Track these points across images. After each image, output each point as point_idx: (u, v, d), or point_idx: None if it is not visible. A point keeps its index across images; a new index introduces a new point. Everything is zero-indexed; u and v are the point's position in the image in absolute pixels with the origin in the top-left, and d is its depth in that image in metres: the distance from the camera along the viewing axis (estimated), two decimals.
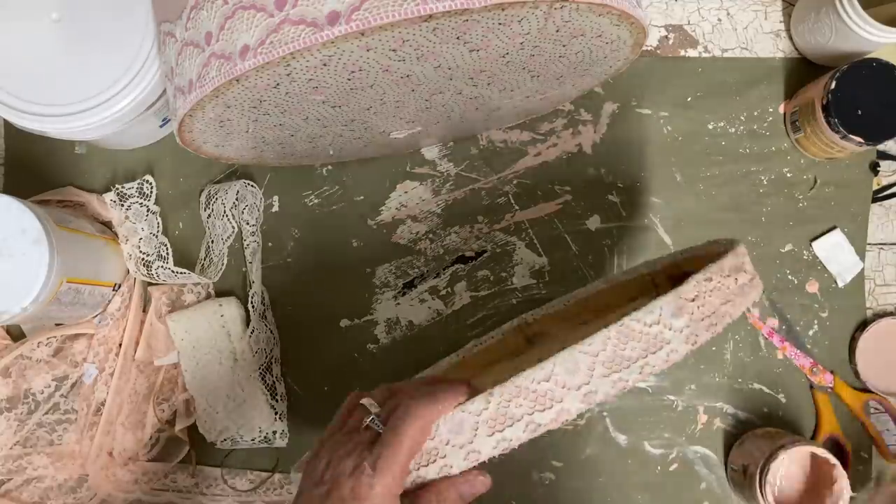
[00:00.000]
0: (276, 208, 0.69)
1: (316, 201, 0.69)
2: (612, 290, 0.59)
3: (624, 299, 0.58)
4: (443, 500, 0.40)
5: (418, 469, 0.39)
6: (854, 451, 0.66)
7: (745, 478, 0.61)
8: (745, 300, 0.41)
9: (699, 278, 0.39)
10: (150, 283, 0.67)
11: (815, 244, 0.68)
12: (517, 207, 0.68)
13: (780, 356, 0.67)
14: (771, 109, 0.69)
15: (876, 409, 0.66)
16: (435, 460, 0.39)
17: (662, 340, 0.38)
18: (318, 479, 0.41)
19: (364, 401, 0.43)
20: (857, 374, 0.66)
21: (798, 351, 0.66)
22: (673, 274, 0.56)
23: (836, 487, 0.58)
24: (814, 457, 0.61)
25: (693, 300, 0.38)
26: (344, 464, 0.40)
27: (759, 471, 0.58)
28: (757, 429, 0.65)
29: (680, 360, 0.38)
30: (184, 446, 0.66)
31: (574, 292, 0.61)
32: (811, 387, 0.67)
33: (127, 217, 0.66)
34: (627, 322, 0.38)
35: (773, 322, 0.67)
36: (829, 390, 0.66)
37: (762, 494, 0.58)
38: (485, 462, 0.39)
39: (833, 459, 0.58)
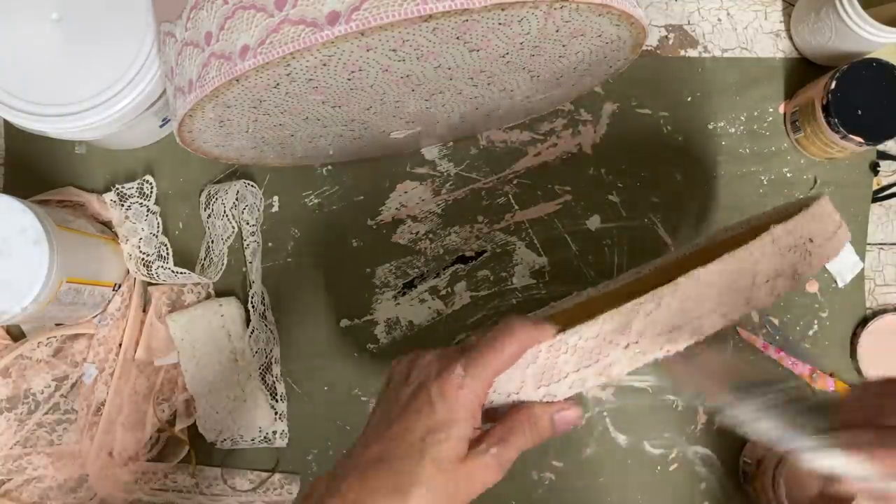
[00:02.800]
0: (276, 208, 0.69)
1: (316, 201, 0.69)
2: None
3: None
4: (535, 422, 0.40)
5: (518, 393, 0.40)
6: None
7: (759, 472, 0.61)
8: (819, 259, 0.41)
9: (764, 238, 0.39)
10: (150, 283, 0.67)
11: None
12: (517, 207, 0.68)
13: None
14: (771, 109, 0.69)
15: None
16: (598, 360, 0.39)
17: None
18: (404, 378, 0.41)
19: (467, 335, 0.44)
20: (858, 370, 0.66)
21: (796, 359, 0.67)
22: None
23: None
24: None
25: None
26: (433, 365, 0.40)
27: (774, 465, 0.59)
28: None
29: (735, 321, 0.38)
30: (184, 446, 0.66)
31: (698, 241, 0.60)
32: (813, 393, 0.67)
33: (127, 217, 0.66)
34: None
35: (775, 318, 0.67)
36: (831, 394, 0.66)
37: (774, 488, 0.58)
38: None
39: None
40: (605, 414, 0.67)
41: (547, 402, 0.40)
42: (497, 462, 0.39)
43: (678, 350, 0.38)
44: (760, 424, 0.38)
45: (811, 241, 0.40)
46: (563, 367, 0.39)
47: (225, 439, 0.65)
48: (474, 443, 0.39)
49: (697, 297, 0.38)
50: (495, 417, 0.41)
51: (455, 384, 0.38)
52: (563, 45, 0.47)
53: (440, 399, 0.38)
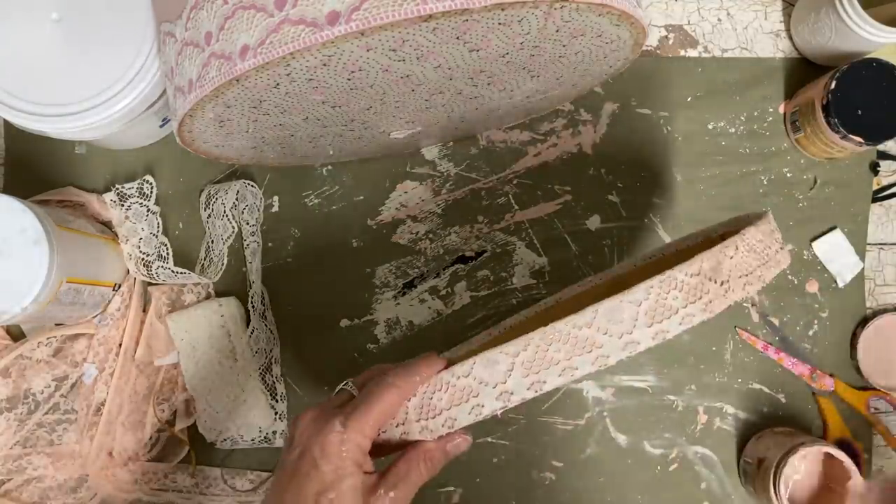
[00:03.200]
0: (276, 208, 0.69)
1: (316, 201, 0.69)
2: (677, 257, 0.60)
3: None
4: (429, 458, 0.41)
5: (400, 432, 0.41)
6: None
7: (760, 471, 0.61)
8: (776, 266, 0.42)
9: (736, 239, 0.41)
10: (150, 283, 0.67)
11: (814, 244, 0.68)
12: (517, 207, 0.68)
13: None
14: (771, 109, 0.69)
15: (875, 408, 0.66)
16: (468, 399, 0.40)
17: (702, 291, 0.38)
18: (291, 443, 0.41)
19: (343, 383, 0.44)
20: (858, 370, 0.66)
21: (796, 359, 0.67)
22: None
23: (850, 488, 0.58)
24: (828, 457, 0.61)
25: (731, 257, 0.40)
26: (312, 426, 0.40)
27: (775, 465, 0.59)
28: (776, 426, 0.66)
29: (717, 313, 0.39)
30: (184, 446, 0.66)
31: (649, 251, 0.61)
32: (813, 393, 0.67)
33: (127, 217, 0.66)
34: (670, 273, 0.38)
35: (775, 318, 0.67)
36: (831, 394, 0.66)
37: (775, 488, 0.58)
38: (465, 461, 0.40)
39: (849, 462, 0.58)
40: (605, 414, 0.67)
41: (439, 435, 0.41)
42: (397, 501, 0.40)
43: (540, 393, 0.39)
44: None
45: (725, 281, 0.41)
46: (437, 403, 0.40)
47: (225, 439, 0.65)
48: (371, 489, 0.39)
49: (562, 342, 0.39)
50: (387, 449, 0.42)
51: (336, 441, 0.39)
52: (563, 45, 0.47)
53: (323, 458, 0.39)
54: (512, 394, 0.39)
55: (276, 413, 0.66)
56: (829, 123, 0.61)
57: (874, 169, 0.68)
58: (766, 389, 0.67)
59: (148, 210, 0.67)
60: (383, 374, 0.41)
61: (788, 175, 0.68)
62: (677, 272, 0.38)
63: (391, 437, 0.41)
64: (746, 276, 0.40)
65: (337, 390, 0.43)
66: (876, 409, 0.67)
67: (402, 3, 0.37)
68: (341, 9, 0.38)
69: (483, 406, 0.39)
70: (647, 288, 0.38)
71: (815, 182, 0.68)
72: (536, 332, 0.39)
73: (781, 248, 0.44)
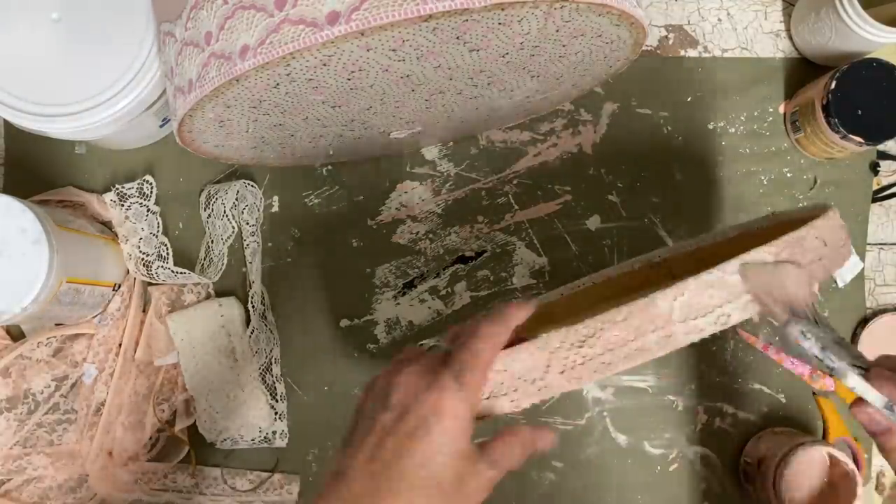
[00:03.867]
0: (276, 208, 0.69)
1: (316, 201, 0.69)
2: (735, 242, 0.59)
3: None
4: (523, 444, 0.38)
5: (489, 398, 0.39)
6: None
7: (760, 471, 0.61)
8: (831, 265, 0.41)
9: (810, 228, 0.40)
10: (150, 283, 0.67)
11: None
12: (517, 207, 0.68)
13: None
14: (771, 109, 0.69)
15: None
16: (506, 393, 0.38)
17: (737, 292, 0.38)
18: (382, 405, 0.37)
19: (425, 342, 0.41)
20: None
21: (795, 360, 0.67)
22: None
23: (850, 489, 0.58)
24: (829, 457, 0.61)
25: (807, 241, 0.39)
26: (417, 383, 0.37)
27: (775, 465, 0.59)
28: (776, 427, 0.66)
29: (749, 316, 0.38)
30: (184, 446, 0.66)
31: (701, 237, 0.60)
32: (813, 394, 0.67)
33: (127, 217, 0.66)
34: (715, 272, 0.38)
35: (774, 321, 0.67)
36: (832, 394, 0.66)
37: (775, 488, 0.58)
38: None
39: (850, 463, 0.58)
40: (605, 414, 0.67)
41: (532, 427, 0.40)
42: (490, 483, 0.38)
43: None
44: (811, 345, 0.39)
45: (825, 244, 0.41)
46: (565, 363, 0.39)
47: (225, 439, 0.65)
48: (472, 459, 0.37)
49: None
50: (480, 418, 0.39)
51: (450, 397, 0.36)
52: (563, 45, 0.47)
53: (436, 418, 0.36)
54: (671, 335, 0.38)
55: (276, 413, 0.66)
56: (829, 123, 0.61)
57: (874, 169, 0.68)
58: (767, 389, 0.67)
59: (148, 210, 0.67)
60: (476, 326, 0.38)
61: (788, 175, 0.68)
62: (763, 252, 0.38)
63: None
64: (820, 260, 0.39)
65: (429, 347, 0.40)
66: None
67: (402, 3, 0.37)
68: (341, 9, 0.38)
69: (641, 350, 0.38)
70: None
71: (815, 182, 0.68)
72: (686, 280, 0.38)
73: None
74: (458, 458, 0.36)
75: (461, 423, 0.36)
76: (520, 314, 0.39)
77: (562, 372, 0.38)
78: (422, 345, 0.40)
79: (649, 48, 0.69)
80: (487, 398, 0.39)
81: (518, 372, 0.38)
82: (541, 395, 0.38)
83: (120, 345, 0.65)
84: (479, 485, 0.37)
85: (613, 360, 0.38)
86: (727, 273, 0.38)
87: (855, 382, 0.39)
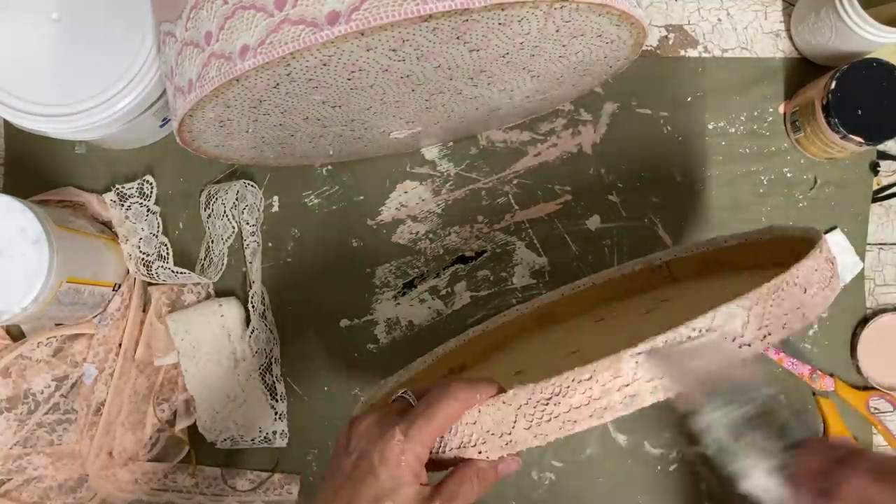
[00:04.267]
0: (276, 208, 0.69)
1: (316, 201, 0.69)
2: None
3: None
4: (482, 476, 0.40)
5: (459, 448, 0.40)
6: None
7: None
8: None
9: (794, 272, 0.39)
10: (150, 283, 0.67)
11: None
12: (517, 207, 0.68)
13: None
14: (771, 109, 0.69)
15: (876, 408, 0.66)
16: (475, 444, 0.40)
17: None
18: (345, 450, 0.41)
19: (402, 391, 0.43)
20: (858, 370, 0.66)
21: (795, 360, 0.67)
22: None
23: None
24: None
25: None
26: (372, 432, 0.40)
27: None
28: None
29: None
30: (184, 446, 0.66)
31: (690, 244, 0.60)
32: (813, 394, 0.67)
33: (127, 217, 0.66)
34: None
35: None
36: (831, 394, 0.66)
37: None
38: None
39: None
40: None
41: (489, 458, 0.40)
42: None
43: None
44: (720, 435, 0.39)
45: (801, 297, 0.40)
46: (502, 427, 0.39)
47: (225, 439, 0.65)
48: (425, 501, 0.39)
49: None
50: (437, 465, 0.41)
51: (396, 449, 0.38)
52: (563, 45, 0.47)
53: (382, 465, 0.38)
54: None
55: (275, 413, 0.66)
56: (829, 123, 0.61)
57: (874, 169, 0.68)
58: (766, 390, 0.67)
59: (148, 210, 0.67)
60: (445, 386, 0.41)
61: (788, 175, 0.68)
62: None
63: (446, 453, 0.41)
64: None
65: (395, 397, 0.43)
66: (876, 409, 0.67)
67: (402, 3, 0.37)
68: (341, 9, 0.38)
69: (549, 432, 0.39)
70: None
71: (815, 182, 0.68)
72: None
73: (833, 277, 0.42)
74: (408, 501, 0.38)
75: (407, 472, 0.38)
76: (489, 391, 0.40)
77: (528, 428, 0.39)
78: (400, 395, 0.43)
79: (649, 48, 0.69)
80: (458, 447, 0.40)
81: (486, 426, 0.39)
82: (508, 449, 0.39)
83: (120, 345, 0.65)
84: None
85: (579, 418, 0.38)
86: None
87: (754, 485, 0.39)
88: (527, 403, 0.39)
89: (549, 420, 0.38)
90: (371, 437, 0.40)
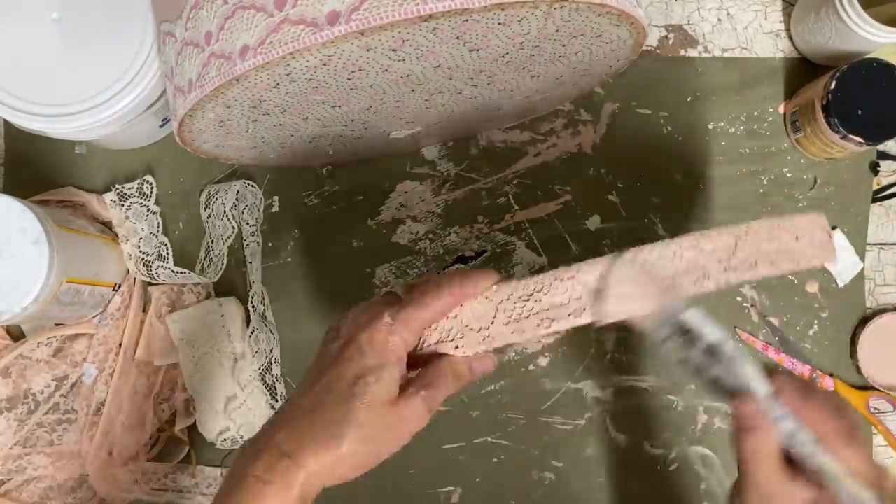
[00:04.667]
0: (276, 208, 0.69)
1: (316, 201, 0.69)
2: None
3: None
4: (455, 370, 0.41)
5: (437, 343, 0.41)
6: None
7: None
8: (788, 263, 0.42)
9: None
10: (150, 283, 0.67)
11: None
12: (517, 207, 0.68)
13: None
14: (771, 109, 0.69)
15: (876, 408, 0.66)
16: (452, 339, 0.41)
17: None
18: (336, 334, 0.42)
19: (391, 285, 0.45)
20: (858, 370, 0.66)
21: (795, 360, 0.67)
22: None
23: None
24: None
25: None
26: (361, 318, 0.41)
27: None
28: None
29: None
30: (184, 446, 0.66)
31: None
32: None
33: (127, 217, 0.67)
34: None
35: (775, 318, 0.67)
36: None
37: None
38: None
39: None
40: (605, 414, 0.67)
41: (465, 354, 0.41)
42: (426, 406, 0.40)
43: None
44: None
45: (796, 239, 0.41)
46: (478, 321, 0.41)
47: (225, 439, 0.65)
48: (404, 385, 0.40)
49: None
50: (417, 366, 0.42)
51: (383, 332, 0.40)
52: (563, 45, 0.47)
53: (369, 346, 0.39)
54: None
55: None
56: (829, 123, 0.61)
57: (874, 169, 0.68)
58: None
59: (148, 210, 0.67)
60: (438, 279, 0.42)
61: (788, 175, 0.68)
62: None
63: (424, 349, 0.42)
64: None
65: (385, 290, 0.43)
66: (876, 409, 0.67)
67: (402, 3, 0.37)
68: (341, 9, 0.38)
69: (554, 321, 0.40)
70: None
71: (815, 182, 0.68)
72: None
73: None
74: (389, 380, 0.39)
75: (392, 354, 0.40)
76: (485, 282, 0.41)
77: (506, 323, 0.40)
78: (390, 289, 0.44)
79: (649, 48, 0.69)
80: (437, 342, 0.41)
81: (466, 320, 0.41)
82: (485, 344, 0.41)
83: (120, 345, 0.65)
84: (412, 412, 0.39)
85: (558, 316, 0.39)
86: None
87: (746, 371, 0.39)
88: (508, 299, 0.40)
89: (529, 317, 0.40)
90: (359, 322, 0.41)
